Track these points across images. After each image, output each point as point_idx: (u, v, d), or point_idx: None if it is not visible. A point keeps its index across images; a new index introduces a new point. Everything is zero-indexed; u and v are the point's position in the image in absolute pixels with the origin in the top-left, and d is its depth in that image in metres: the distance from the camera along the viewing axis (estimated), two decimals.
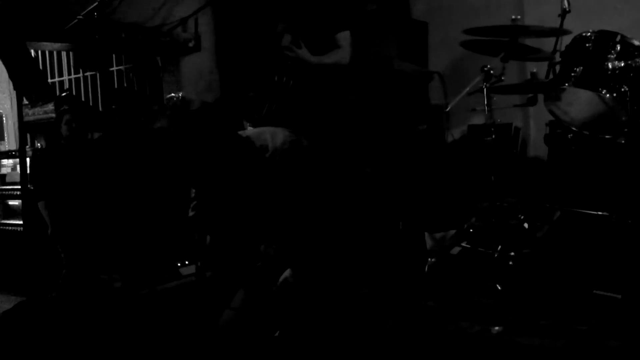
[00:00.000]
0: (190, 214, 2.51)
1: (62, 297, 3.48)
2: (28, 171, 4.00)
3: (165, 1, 4.90)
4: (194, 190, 2.53)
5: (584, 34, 3.05)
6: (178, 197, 3.57)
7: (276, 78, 3.18)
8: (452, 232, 3.61)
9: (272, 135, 2.34)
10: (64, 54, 5.85)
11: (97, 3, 2.65)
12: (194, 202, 2.52)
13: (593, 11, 4.00)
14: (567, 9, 3.46)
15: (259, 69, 3.32)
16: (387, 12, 4.83)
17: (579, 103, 3.03)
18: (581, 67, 2.96)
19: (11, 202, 5.28)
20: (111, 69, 5.45)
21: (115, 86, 5.47)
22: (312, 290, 2.43)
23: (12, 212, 5.27)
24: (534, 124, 4.30)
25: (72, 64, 5.77)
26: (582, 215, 2.91)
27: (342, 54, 3.22)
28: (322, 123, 3.12)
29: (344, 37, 3.23)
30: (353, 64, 3.29)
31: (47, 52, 5.79)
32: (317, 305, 2.46)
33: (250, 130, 2.48)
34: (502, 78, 3.53)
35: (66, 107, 4.09)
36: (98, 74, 5.27)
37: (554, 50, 3.53)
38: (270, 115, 3.12)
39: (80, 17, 2.65)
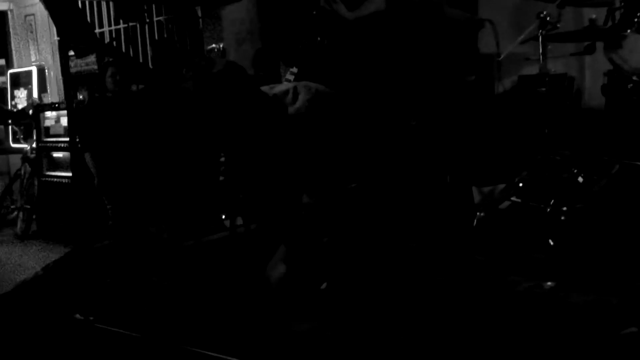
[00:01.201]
0: (221, 178, 2.55)
1: (109, 247, 3.58)
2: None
3: None
4: (223, 155, 2.56)
5: None
6: (212, 157, 3.62)
7: (314, 36, 3.15)
8: (502, 186, 3.56)
9: (299, 90, 2.34)
10: (103, 4, 5.87)
11: None
12: (223, 167, 2.56)
13: None
14: None
15: (299, 23, 3.29)
16: None
17: None
18: None
19: (55, 154, 5.42)
20: (151, 20, 5.46)
21: (156, 37, 5.49)
22: (359, 243, 2.44)
23: (56, 164, 5.42)
24: (590, 73, 4.15)
25: (112, 14, 5.79)
26: None
27: (377, 2, 3.16)
28: (361, 77, 3.08)
29: None
30: (397, 10, 3.22)
31: (87, 2, 5.82)
32: (364, 259, 2.48)
33: (278, 87, 2.47)
34: (558, 25, 3.44)
35: (110, 60, 4.14)
36: (138, 25, 5.28)
37: None
38: (311, 68, 3.09)
39: None
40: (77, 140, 4.03)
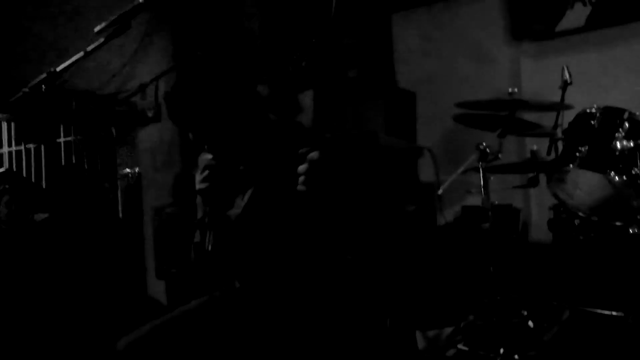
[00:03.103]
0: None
1: None
2: None
3: (124, 65, 4.96)
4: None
5: (588, 110, 3.14)
6: None
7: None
8: (448, 330, 3.58)
9: None
10: (3, 123, 5.83)
11: (45, 75, 2.65)
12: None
13: (597, 83, 4.13)
14: (569, 81, 3.57)
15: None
16: (370, 80, 4.93)
17: (586, 186, 3.08)
18: (587, 147, 3.02)
19: None
20: (58, 140, 5.43)
21: (63, 160, 5.45)
22: None
23: None
24: (536, 205, 4.35)
25: (12, 134, 5.74)
26: (593, 315, 2.91)
27: (304, 118, 3.27)
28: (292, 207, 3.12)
29: (308, 96, 3.29)
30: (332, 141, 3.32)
31: None
32: None
33: None
34: (499, 156, 3.60)
35: (5, 186, 4.05)
36: (43, 146, 5.24)
37: (555, 126, 3.63)
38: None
39: (26, 90, 2.64)
40: None
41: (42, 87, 2.78)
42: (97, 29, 2.54)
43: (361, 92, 4.66)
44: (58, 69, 2.67)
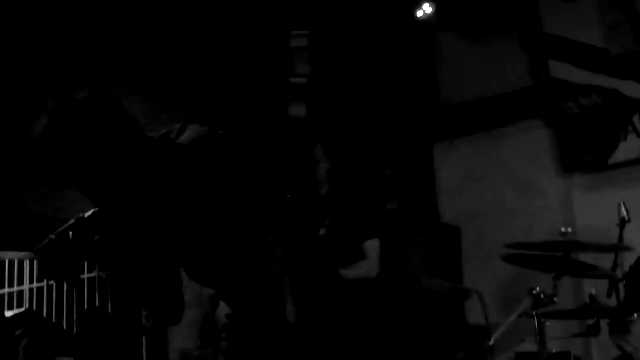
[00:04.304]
0: None
1: None
2: None
3: None
4: None
5: None
6: None
7: None
8: None
9: None
10: (26, 260, 5.92)
11: (73, 221, 2.72)
12: None
13: None
14: (627, 218, 3.55)
15: None
16: (410, 212, 4.96)
17: None
18: None
19: None
20: (82, 276, 5.48)
21: (86, 296, 5.49)
22: None
23: None
24: (598, 355, 4.22)
25: (34, 271, 5.81)
26: None
27: (368, 267, 3.27)
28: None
29: (372, 246, 3.30)
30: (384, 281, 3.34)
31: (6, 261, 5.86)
32: None
33: None
34: (555, 299, 3.52)
35: (25, 328, 4.08)
36: (65, 284, 5.29)
37: (614, 267, 3.57)
38: None
39: (53, 236, 2.71)
40: None
41: (69, 234, 2.87)
42: None
43: (401, 226, 4.67)
44: (86, 215, 2.75)
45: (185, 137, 2.21)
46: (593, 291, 3.47)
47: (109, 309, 4.99)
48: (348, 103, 5.30)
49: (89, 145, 2.01)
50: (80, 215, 2.83)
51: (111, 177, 2.11)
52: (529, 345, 3.99)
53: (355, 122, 5.14)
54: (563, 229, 3.52)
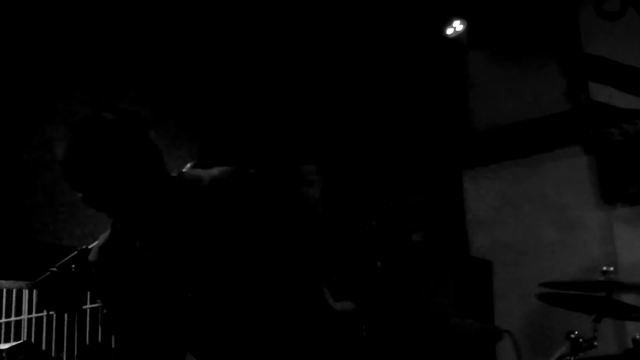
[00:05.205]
0: None
1: None
2: None
3: None
4: None
5: None
6: None
7: None
8: None
9: None
10: (25, 290, 5.89)
11: (76, 252, 2.70)
12: None
13: None
14: None
15: None
16: (438, 245, 4.89)
17: None
18: None
19: None
20: (84, 307, 5.45)
21: (87, 327, 5.45)
22: None
23: None
24: None
25: (33, 300, 5.79)
26: None
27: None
28: None
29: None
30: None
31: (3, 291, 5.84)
32: None
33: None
34: (595, 344, 3.44)
35: None
36: (66, 314, 5.25)
37: None
38: None
39: (54, 269, 2.69)
40: None
41: (71, 267, 2.83)
42: None
43: (428, 259, 4.60)
44: (90, 246, 2.71)
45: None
46: (637, 335, 3.37)
47: (112, 343, 4.94)
48: (370, 124, 5.26)
49: (112, 167, 2.02)
50: (84, 246, 2.80)
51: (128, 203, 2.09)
52: None
53: (367, 147, 5.12)
54: (605, 268, 3.43)
